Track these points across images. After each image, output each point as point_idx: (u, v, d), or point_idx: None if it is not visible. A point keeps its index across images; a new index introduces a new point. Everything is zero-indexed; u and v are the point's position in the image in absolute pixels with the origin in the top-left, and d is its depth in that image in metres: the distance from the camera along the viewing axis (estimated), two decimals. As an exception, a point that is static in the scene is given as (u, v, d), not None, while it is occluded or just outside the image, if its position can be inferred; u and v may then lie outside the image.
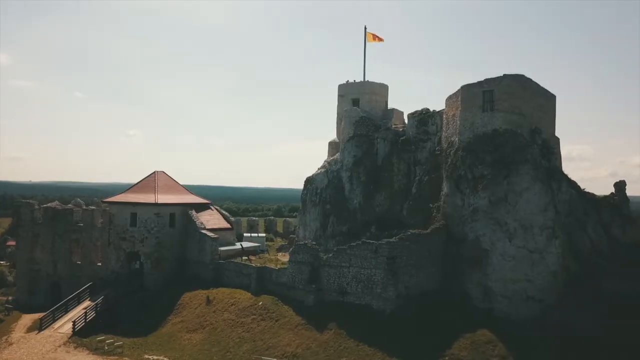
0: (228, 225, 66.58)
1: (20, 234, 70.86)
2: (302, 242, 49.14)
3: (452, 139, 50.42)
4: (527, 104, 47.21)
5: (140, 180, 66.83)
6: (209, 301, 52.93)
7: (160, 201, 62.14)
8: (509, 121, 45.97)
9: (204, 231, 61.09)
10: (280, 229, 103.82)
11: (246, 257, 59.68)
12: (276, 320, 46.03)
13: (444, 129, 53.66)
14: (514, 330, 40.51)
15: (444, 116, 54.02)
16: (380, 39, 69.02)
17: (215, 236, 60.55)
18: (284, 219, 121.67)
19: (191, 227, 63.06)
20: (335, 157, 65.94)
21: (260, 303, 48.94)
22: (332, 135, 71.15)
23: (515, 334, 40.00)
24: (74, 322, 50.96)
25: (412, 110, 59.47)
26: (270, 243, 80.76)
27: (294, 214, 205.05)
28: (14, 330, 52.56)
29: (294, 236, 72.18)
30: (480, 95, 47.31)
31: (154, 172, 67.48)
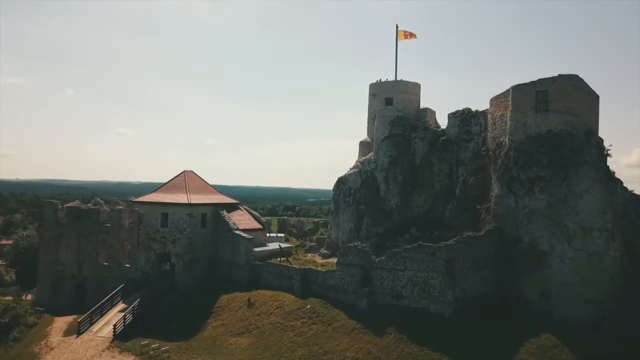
0: (259, 226, 65.48)
1: (43, 234, 69.26)
2: (352, 245, 48.08)
3: (501, 139, 49.77)
4: (580, 104, 46.72)
5: (169, 180, 65.45)
6: (250, 304, 51.81)
7: (192, 201, 60.79)
8: (564, 122, 45.42)
9: (237, 232, 59.96)
10: (294, 228, 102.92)
11: (284, 258, 58.49)
12: (329, 324, 45.03)
13: (489, 129, 53.01)
14: (574, 333, 40.03)
15: (489, 116, 53.39)
16: (413, 35, 68.09)
17: (250, 237, 59.44)
18: (277, 217, 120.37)
19: (222, 228, 61.89)
20: (368, 157, 64.97)
21: (309, 306, 47.90)
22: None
23: (577, 337, 39.52)
24: (114, 325, 49.57)
25: (447, 110, 58.88)
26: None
27: (288, 213, 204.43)
28: (50, 334, 51.12)
29: (325, 237, 71.11)
30: (533, 96, 46.70)
31: (183, 171, 66.19)
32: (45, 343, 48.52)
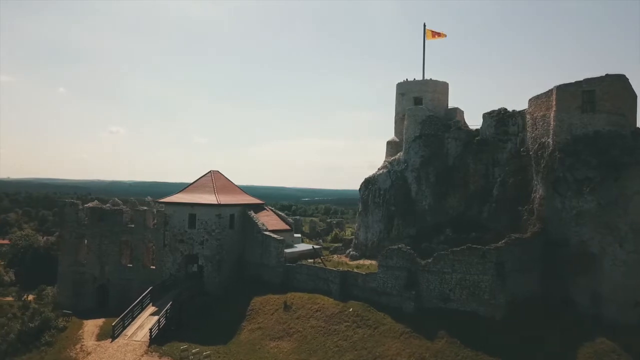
0: (287, 227, 64.44)
1: (64, 235, 67.81)
2: (396, 247, 47.19)
3: (543, 140, 49.11)
4: (625, 104, 46.20)
5: (196, 180, 64.25)
6: (286, 307, 50.80)
7: (220, 202, 59.64)
8: (612, 122, 44.84)
9: (267, 233, 58.91)
10: (306, 229, 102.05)
11: (317, 260, 57.50)
12: (375, 328, 44.15)
13: (528, 129, 52.34)
14: (627, 337, 39.41)
15: (528, 116, 52.75)
16: (441, 35, 67.37)
17: (281, 238, 58.44)
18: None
19: (250, 229, 60.84)
20: (397, 157, 64.14)
21: (351, 309, 47.00)
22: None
23: (632, 341, 38.91)
24: (150, 329, 48.39)
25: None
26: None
27: (285, 212, 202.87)
28: (83, 338, 49.92)
29: (353, 237, 70.19)
30: (579, 96, 46.06)
31: (210, 171, 64.99)
32: (81, 347, 47.36)
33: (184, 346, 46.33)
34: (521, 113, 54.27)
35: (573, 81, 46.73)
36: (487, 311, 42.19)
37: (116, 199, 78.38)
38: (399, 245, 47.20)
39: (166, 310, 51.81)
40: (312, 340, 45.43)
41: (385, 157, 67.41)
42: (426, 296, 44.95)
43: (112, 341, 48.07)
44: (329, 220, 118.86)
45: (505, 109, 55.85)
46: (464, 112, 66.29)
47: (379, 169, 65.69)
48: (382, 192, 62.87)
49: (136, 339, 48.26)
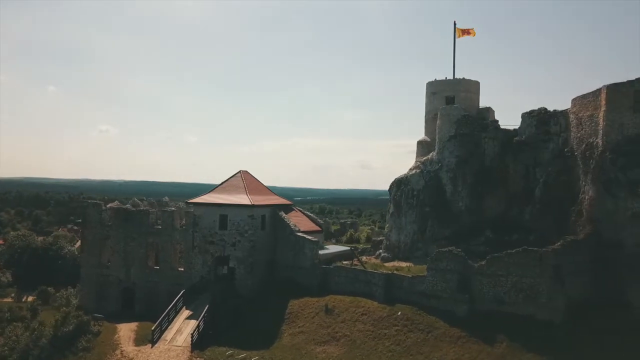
0: (318, 228, 63.26)
1: (87, 236, 66.13)
2: (447, 249, 46.18)
3: (591, 140, 48.38)
4: (677, 104, 45.56)
5: (225, 180, 62.87)
6: (327, 310, 49.63)
7: (253, 202, 58.33)
8: (666, 122, 44.21)
9: (300, 234, 57.72)
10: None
11: (356, 262, 56.38)
12: (428, 332, 43.12)
13: (573, 129, 51.60)
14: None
15: (572, 116, 52.01)
16: (470, 33, 66.57)
17: (316, 240, 57.30)
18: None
19: (282, 230, 59.63)
20: (429, 156, 63.21)
21: (399, 313, 45.93)
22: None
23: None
24: (192, 334, 47.03)
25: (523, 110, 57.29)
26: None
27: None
28: (120, 343, 48.46)
29: (383, 238, 69.17)
30: (631, 96, 45.41)
31: (239, 171, 63.63)
32: (121, 353, 45.94)
33: (229, 352, 45.10)
34: (563, 113, 53.51)
35: (624, 80, 46.10)
36: (544, 315, 41.28)
37: (135, 199, 76.85)
38: (450, 248, 46.16)
39: (204, 314, 50.49)
40: (362, 345, 44.31)
41: (416, 157, 66.49)
42: (479, 299, 43.99)
43: (152, 346, 46.69)
44: (342, 221, 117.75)
45: (546, 109, 55.10)
46: (495, 112, 65.57)
47: (410, 168, 64.75)
48: (415, 193, 61.91)
49: (177, 344, 46.93)
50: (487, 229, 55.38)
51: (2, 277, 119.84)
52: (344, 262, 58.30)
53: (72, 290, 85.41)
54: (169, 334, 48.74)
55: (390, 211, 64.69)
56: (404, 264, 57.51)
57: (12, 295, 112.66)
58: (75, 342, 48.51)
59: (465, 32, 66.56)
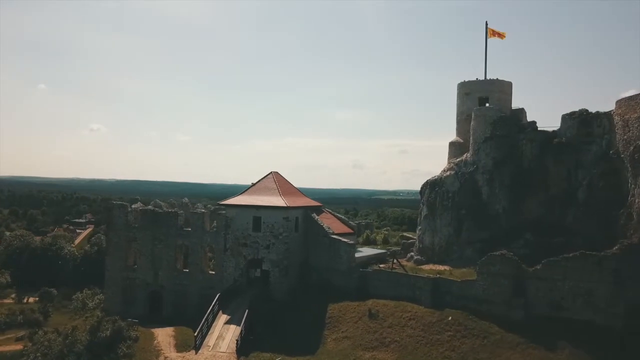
0: (349, 230, 62.21)
1: (112, 238, 64.47)
2: (499, 253, 45.34)
3: (638, 142, 47.80)
4: None
5: (257, 182, 61.65)
6: (371, 315, 48.62)
7: (288, 204, 57.18)
8: None
9: (335, 236, 56.68)
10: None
11: (394, 265, 55.42)
12: (484, 338, 42.23)
13: (618, 131, 50.99)
14: None
15: (617, 118, 51.41)
16: (500, 35, 65.86)
17: (352, 242, 56.33)
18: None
19: (315, 232, 58.58)
20: (463, 158, 62.36)
21: (450, 318, 45.01)
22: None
23: None
24: (237, 339, 45.85)
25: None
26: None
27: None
28: (162, 349, 47.11)
29: (414, 241, 68.22)
30: (683, 97, 44.88)
31: (271, 172, 62.44)
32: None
33: (278, 358, 43.83)
34: (607, 114, 52.93)
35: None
36: (603, 320, 40.57)
37: (157, 200, 75.25)
38: (502, 252, 45.31)
39: (245, 319, 49.30)
40: (415, 351, 43.36)
41: (449, 158, 65.61)
42: (535, 304, 43.17)
43: (196, 352, 45.34)
44: (357, 222, 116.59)
45: (587, 110, 54.54)
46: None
47: (444, 170, 63.86)
48: (450, 195, 61.02)
49: (221, 350, 45.64)
50: (526, 231, 54.65)
51: (0, 278, 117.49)
52: (381, 265, 57.41)
53: (88, 292, 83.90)
54: (210, 340, 47.42)
55: (424, 213, 63.71)
56: (441, 267, 56.60)
57: (13, 296, 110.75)
58: (114, 348, 46.91)
59: (496, 33, 65.78)
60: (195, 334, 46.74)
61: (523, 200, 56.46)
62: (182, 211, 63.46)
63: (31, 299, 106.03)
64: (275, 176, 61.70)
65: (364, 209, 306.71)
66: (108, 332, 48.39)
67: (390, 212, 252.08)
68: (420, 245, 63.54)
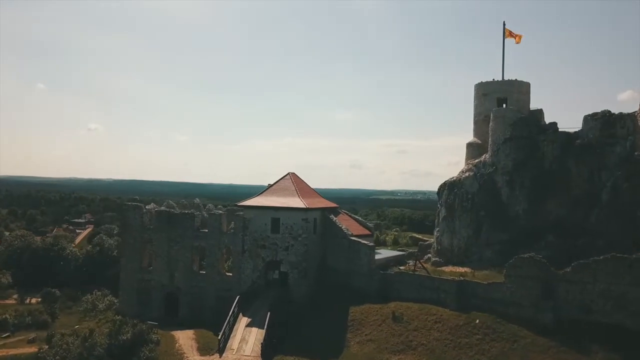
0: (367, 232, 61.76)
1: (127, 240, 63.77)
2: (527, 255, 44.88)
3: (665, 144, 47.54)
4: None
5: (275, 183, 61.10)
6: (395, 318, 48.13)
7: (307, 205, 56.64)
8: None
9: (354, 238, 56.22)
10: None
11: (415, 268, 54.94)
12: (513, 341, 41.78)
13: (643, 133, 50.74)
14: None
15: (641, 120, 51.16)
16: (516, 36, 65.47)
17: (372, 244, 55.88)
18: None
19: (333, 233, 58.16)
20: (482, 159, 61.96)
21: (477, 321, 44.55)
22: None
23: None
24: (262, 343, 45.30)
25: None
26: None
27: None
28: (185, 352, 46.59)
29: (430, 242, 67.76)
30: None
31: (288, 173, 61.92)
32: (192, 364, 43.86)
33: (304, 362, 43.30)
34: (630, 116, 52.71)
35: None
36: (635, 323, 40.18)
37: (170, 201, 74.67)
38: (530, 254, 44.88)
39: (268, 322, 48.74)
40: (443, 355, 42.89)
41: (467, 159, 65.18)
42: (564, 307, 42.73)
43: (220, 356, 44.76)
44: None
45: (610, 111, 54.21)
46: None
47: (463, 171, 63.42)
48: (469, 196, 60.58)
49: (245, 354, 45.03)
50: (547, 233, 54.25)
51: (2, 279, 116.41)
52: (401, 267, 56.97)
53: (97, 293, 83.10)
54: (233, 343, 46.82)
55: (442, 215, 63.24)
56: (461, 269, 56.12)
57: (15, 297, 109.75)
58: (136, 351, 46.24)
59: (513, 35, 65.39)
60: (219, 337, 46.12)
61: (544, 202, 56.05)
62: (198, 212, 62.77)
63: (33, 300, 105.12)
64: (293, 177, 61.21)
65: (363, 209, 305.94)
66: (129, 335, 47.71)
67: (390, 212, 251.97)
68: (439, 247, 63.09)
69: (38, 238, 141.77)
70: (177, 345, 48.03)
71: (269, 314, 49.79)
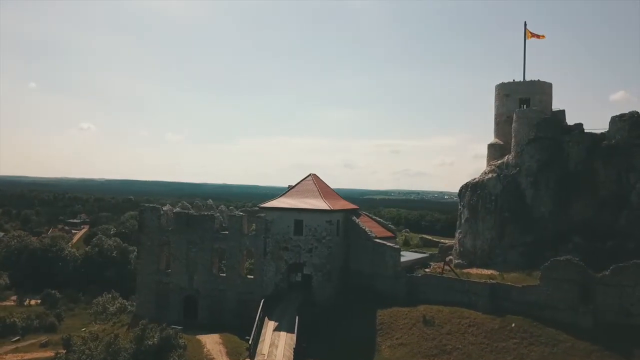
0: (390, 234, 61.03)
1: (144, 241, 62.51)
2: (563, 258, 44.36)
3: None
4: None
5: (296, 184, 60.22)
6: (426, 321, 47.44)
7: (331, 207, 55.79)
8: None
9: (379, 240, 55.50)
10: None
11: (447, 269, 54.28)
12: (553, 345, 41.23)
13: (672, 134, 50.39)
14: None
15: (670, 121, 50.80)
16: (538, 36, 65.08)
17: (397, 246, 55.15)
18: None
19: (356, 235, 57.46)
20: (505, 160, 61.46)
21: (513, 324, 43.97)
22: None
23: None
24: (294, 348, 44.39)
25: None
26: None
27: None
28: (214, 358, 45.65)
29: (452, 244, 67.19)
30: None
31: (309, 174, 61.11)
32: (222, 370, 42.87)
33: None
34: (659, 117, 52.26)
35: None
36: (677, 327, 39.77)
37: (184, 202, 73.50)
38: (567, 257, 44.35)
39: (297, 326, 47.85)
40: (480, 359, 42.22)
41: (488, 160, 64.70)
42: (603, 311, 42.25)
43: (252, 362, 43.77)
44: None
45: (637, 112, 53.87)
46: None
47: (485, 172, 62.90)
48: (493, 198, 60.04)
49: (277, 359, 44.06)
50: (574, 235, 53.81)
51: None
52: (426, 270, 56.32)
53: (108, 296, 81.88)
54: (263, 347, 45.77)
55: (464, 216, 62.68)
56: (487, 272, 55.53)
57: (13, 298, 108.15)
58: (164, 356, 45.04)
59: (535, 35, 65.01)
60: (250, 342, 45.17)
61: (569, 203, 55.64)
62: (217, 214, 61.73)
63: (33, 302, 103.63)
64: (315, 178, 60.37)
65: (360, 209, 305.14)
66: (155, 340, 46.45)
67: (386, 212, 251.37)
68: (461, 249, 62.52)
69: (34, 238, 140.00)
70: (205, 350, 47.01)
71: (297, 318, 48.88)
